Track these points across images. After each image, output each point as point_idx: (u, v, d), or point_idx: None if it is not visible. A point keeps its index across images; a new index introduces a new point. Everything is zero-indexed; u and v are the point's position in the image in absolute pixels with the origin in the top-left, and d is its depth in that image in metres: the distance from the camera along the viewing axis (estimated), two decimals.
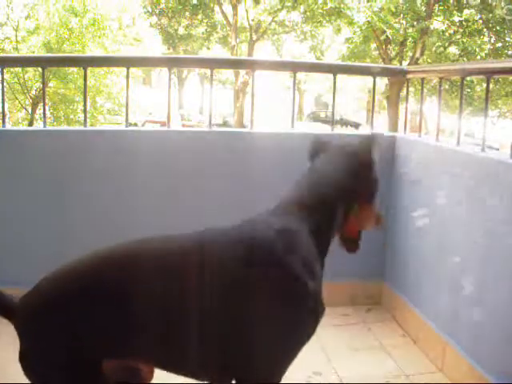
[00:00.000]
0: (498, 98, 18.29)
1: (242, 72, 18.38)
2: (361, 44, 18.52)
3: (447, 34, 17.27)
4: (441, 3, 17.12)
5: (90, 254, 1.43)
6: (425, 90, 3.07)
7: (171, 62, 3.12)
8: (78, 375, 1.30)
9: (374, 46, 19.04)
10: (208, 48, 22.99)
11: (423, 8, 16.90)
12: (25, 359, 1.39)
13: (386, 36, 17.88)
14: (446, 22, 17.08)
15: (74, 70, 14.24)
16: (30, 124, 15.49)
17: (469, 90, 16.94)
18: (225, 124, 22.19)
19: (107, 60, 4.03)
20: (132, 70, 2.97)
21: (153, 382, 1.47)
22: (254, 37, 20.68)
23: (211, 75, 2.97)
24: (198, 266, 1.31)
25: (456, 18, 16.85)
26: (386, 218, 2.96)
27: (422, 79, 3.02)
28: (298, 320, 1.32)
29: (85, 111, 3.02)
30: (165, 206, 2.78)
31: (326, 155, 1.56)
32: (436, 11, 17.26)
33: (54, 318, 1.30)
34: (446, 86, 16.64)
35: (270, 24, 20.75)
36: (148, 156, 2.79)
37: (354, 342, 2.64)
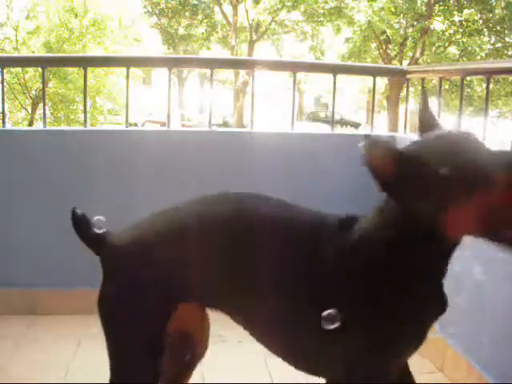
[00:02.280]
0: (497, 98, 18.29)
1: (242, 72, 18.38)
2: (361, 44, 18.52)
3: (447, 33, 17.28)
4: (441, 3, 17.12)
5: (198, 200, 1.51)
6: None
7: (171, 62, 3.12)
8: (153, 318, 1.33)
9: (374, 45, 19.04)
10: (208, 48, 22.98)
11: (423, 8, 16.91)
12: (108, 296, 1.39)
13: (386, 36, 17.89)
14: (446, 21, 17.08)
15: (74, 69, 14.24)
16: (30, 124, 15.50)
17: (469, 90, 16.94)
18: (225, 124, 22.19)
19: (107, 60, 4.03)
20: (132, 69, 2.97)
21: None
22: (254, 37, 20.68)
23: (211, 75, 2.97)
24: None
25: (456, 18, 16.86)
26: None
27: (422, 79, 3.02)
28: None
29: (85, 111, 3.02)
30: (164, 206, 2.77)
31: None
32: (436, 11, 17.27)
33: (151, 260, 1.35)
34: (446, 86, 16.65)
35: (269, 24, 20.75)
36: (148, 156, 2.79)
37: None
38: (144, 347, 1.35)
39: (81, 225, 1.51)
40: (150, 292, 1.33)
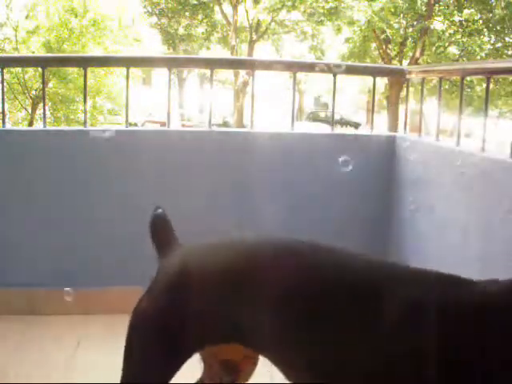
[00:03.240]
0: (498, 98, 18.28)
1: (242, 72, 18.38)
2: (361, 44, 18.52)
3: (447, 33, 17.27)
4: (441, 3, 17.12)
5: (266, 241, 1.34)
6: (425, 90, 3.07)
7: (171, 62, 3.12)
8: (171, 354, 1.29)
9: (374, 45, 19.04)
10: (208, 48, 22.98)
11: (423, 8, 16.91)
12: (142, 308, 1.33)
13: (386, 36, 17.89)
14: (446, 21, 17.08)
15: (74, 69, 14.23)
16: (30, 124, 15.49)
17: (469, 90, 16.93)
18: (225, 124, 22.17)
19: (107, 60, 4.03)
20: (132, 69, 2.97)
21: None
22: (254, 37, 20.67)
23: (211, 75, 2.97)
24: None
25: (456, 18, 16.86)
26: (386, 219, 2.96)
27: (422, 79, 3.02)
28: None
29: (85, 111, 3.02)
30: (164, 205, 2.78)
31: None
32: (436, 11, 17.27)
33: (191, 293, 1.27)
34: (446, 86, 16.65)
35: (269, 24, 20.75)
36: (148, 156, 2.79)
37: None
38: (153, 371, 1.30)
39: (158, 225, 1.45)
40: (179, 329, 1.27)
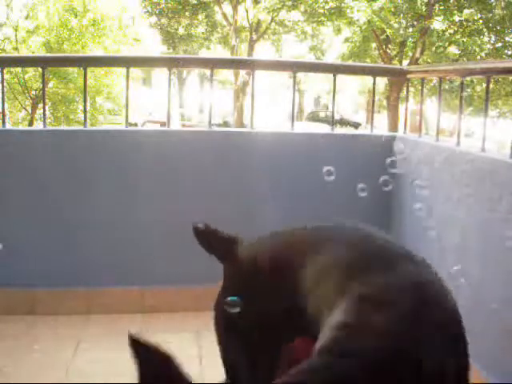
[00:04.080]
0: (498, 97, 18.27)
1: (242, 72, 18.37)
2: (361, 44, 18.51)
3: (447, 33, 17.27)
4: (441, 3, 17.12)
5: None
6: (425, 90, 3.07)
7: (171, 62, 3.12)
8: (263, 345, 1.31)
9: (374, 45, 19.03)
10: (208, 48, 22.98)
11: (423, 8, 16.90)
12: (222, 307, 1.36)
13: (386, 36, 17.89)
14: (446, 21, 17.07)
15: (74, 70, 14.23)
16: (30, 124, 15.50)
17: (469, 90, 16.92)
18: (225, 124, 22.17)
19: (107, 60, 4.03)
20: (132, 69, 2.97)
21: None
22: (254, 37, 20.67)
23: (211, 75, 2.98)
24: None
25: (456, 18, 16.85)
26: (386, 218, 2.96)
27: (422, 79, 3.02)
28: None
29: (85, 111, 3.02)
30: (164, 206, 2.78)
31: None
32: (436, 11, 17.26)
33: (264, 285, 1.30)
34: (446, 87, 16.65)
35: (269, 24, 20.75)
36: (148, 156, 2.79)
37: None
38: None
39: (206, 237, 1.44)
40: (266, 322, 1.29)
